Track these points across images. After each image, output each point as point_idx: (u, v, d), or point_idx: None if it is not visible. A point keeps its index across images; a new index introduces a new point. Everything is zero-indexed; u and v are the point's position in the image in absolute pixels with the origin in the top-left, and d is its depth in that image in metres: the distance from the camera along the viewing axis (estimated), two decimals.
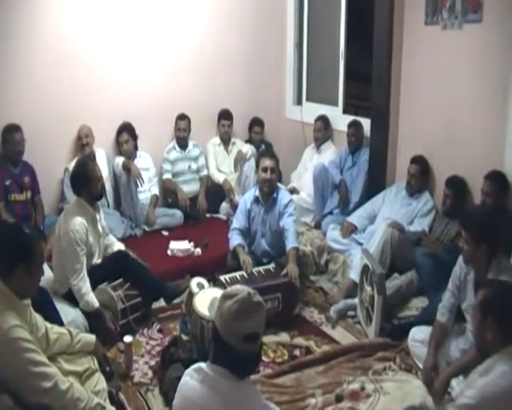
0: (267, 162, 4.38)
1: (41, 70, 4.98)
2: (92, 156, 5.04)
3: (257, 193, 4.49)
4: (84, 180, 3.84)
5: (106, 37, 5.32)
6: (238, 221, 4.49)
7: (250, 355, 2.04)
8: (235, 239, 4.40)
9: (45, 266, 2.95)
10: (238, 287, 2.14)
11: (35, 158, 4.92)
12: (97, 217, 3.97)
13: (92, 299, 3.68)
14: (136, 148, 5.50)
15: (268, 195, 4.45)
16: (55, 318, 3.14)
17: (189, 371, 2.11)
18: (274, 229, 4.45)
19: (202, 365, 2.08)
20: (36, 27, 4.91)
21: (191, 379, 2.06)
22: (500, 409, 2.23)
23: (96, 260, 3.98)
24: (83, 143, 5.16)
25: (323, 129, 5.73)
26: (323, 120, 5.75)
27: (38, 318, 2.71)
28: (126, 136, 5.39)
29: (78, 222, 3.71)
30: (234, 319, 1.99)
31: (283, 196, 4.48)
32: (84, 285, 3.67)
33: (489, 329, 2.38)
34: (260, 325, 2.05)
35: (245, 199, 4.57)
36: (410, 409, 2.75)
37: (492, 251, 3.04)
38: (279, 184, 4.69)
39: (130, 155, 5.40)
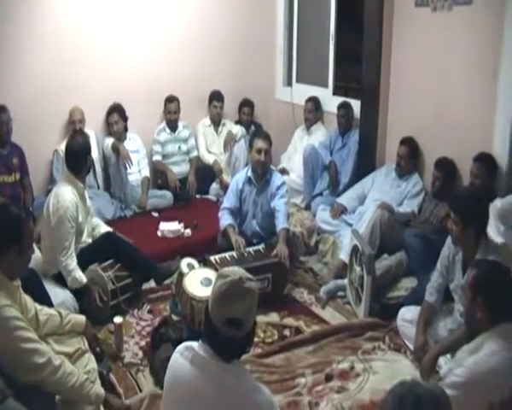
0: (261, 144, 4.34)
1: (31, 51, 4.93)
2: None
3: (249, 173, 4.48)
4: (88, 155, 3.89)
5: (96, 18, 5.27)
6: (229, 201, 4.47)
7: (233, 340, 1.97)
8: (225, 219, 4.39)
9: (35, 247, 2.94)
10: (235, 269, 2.06)
11: (24, 139, 4.86)
12: (86, 194, 3.98)
13: (80, 275, 3.68)
14: (126, 129, 5.47)
15: (261, 176, 4.43)
16: (44, 299, 3.12)
17: (180, 348, 2.09)
18: (265, 210, 4.45)
19: (193, 344, 2.06)
20: (32, 11, 4.87)
21: (181, 357, 2.05)
22: (489, 387, 2.26)
23: (86, 239, 3.96)
24: (75, 129, 5.07)
25: (314, 110, 5.72)
26: (314, 102, 5.73)
27: (28, 299, 2.70)
28: (116, 117, 5.36)
29: (69, 199, 3.70)
30: (219, 300, 1.96)
31: (276, 177, 4.47)
32: (71, 262, 3.67)
33: (479, 308, 2.42)
34: (245, 312, 1.97)
35: (236, 179, 4.55)
36: (401, 384, 2.77)
37: (480, 232, 3.07)
38: (271, 166, 4.68)
39: (120, 137, 5.37)
